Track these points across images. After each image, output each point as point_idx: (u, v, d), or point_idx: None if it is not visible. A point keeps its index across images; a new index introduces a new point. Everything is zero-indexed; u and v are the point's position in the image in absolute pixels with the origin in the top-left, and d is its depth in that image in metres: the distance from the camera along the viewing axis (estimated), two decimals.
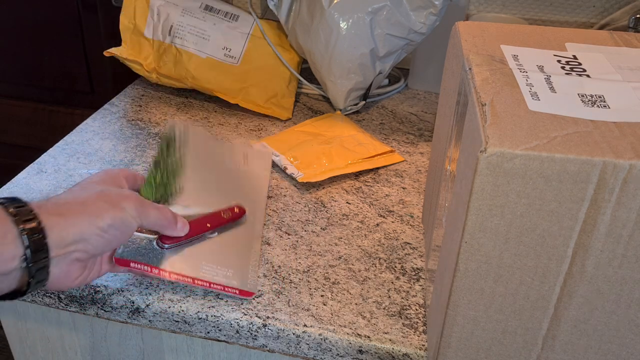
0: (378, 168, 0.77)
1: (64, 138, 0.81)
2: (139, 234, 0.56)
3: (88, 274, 0.50)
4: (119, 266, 0.53)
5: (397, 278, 0.59)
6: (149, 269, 0.53)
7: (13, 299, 0.45)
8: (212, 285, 0.54)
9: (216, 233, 0.60)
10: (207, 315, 0.54)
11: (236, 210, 0.62)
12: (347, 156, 0.77)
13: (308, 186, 0.73)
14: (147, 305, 0.55)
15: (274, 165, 0.77)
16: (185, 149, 0.66)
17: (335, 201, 0.70)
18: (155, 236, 0.56)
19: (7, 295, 0.45)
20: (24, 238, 0.42)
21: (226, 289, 0.55)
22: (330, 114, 0.89)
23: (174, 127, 0.67)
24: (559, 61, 0.46)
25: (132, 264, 0.53)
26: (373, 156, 0.79)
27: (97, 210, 0.47)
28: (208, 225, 0.58)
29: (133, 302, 0.56)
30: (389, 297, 0.57)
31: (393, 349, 0.52)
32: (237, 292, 0.55)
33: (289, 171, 0.74)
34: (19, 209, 0.43)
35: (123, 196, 0.50)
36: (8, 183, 0.71)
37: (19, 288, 0.44)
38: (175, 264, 0.54)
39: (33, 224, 0.43)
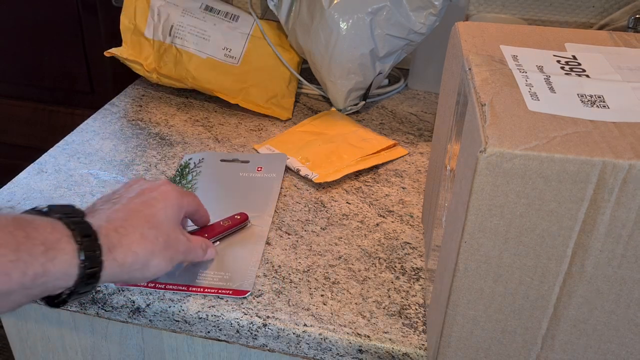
0: (379, 167, 0.78)
1: (65, 138, 0.81)
2: None
3: None
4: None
5: (397, 278, 0.59)
6: (145, 283, 0.57)
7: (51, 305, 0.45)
8: (206, 290, 0.56)
9: (217, 242, 0.61)
10: (207, 315, 0.54)
11: (237, 217, 0.63)
12: (355, 153, 0.78)
13: (308, 186, 0.73)
14: (148, 305, 0.55)
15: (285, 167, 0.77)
16: (199, 174, 0.72)
17: (335, 201, 0.71)
18: None
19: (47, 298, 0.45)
20: (80, 269, 0.42)
21: (220, 291, 0.55)
22: (325, 112, 0.90)
23: (188, 160, 0.75)
24: (558, 61, 0.47)
25: None
26: (379, 151, 0.79)
27: (149, 262, 0.47)
28: (205, 235, 0.59)
29: (133, 302, 0.56)
30: (389, 296, 0.57)
31: (393, 348, 0.52)
32: (230, 292, 0.55)
33: (302, 173, 0.74)
34: (84, 234, 0.43)
35: (173, 244, 0.50)
36: (8, 183, 0.71)
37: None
38: (171, 277, 0.56)
39: (94, 256, 0.43)
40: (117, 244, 0.45)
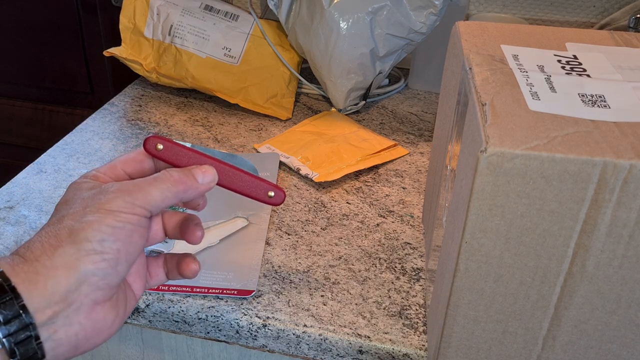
0: (379, 167, 0.77)
1: (64, 138, 0.81)
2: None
3: (123, 306, 0.39)
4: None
5: (397, 278, 0.59)
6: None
7: None
8: (210, 290, 0.55)
9: (217, 241, 0.61)
10: (207, 316, 0.54)
11: (270, 194, 0.46)
12: (355, 153, 0.78)
13: (308, 186, 0.73)
14: (147, 305, 0.55)
15: (284, 166, 0.77)
16: None
17: (335, 201, 0.70)
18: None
19: None
20: None
21: (224, 291, 0.55)
22: (326, 112, 0.90)
23: None
24: (559, 61, 0.46)
25: None
26: (379, 151, 0.79)
27: (77, 233, 0.35)
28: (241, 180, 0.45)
29: None
30: (389, 297, 0.57)
31: (393, 349, 0.52)
32: (235, 292, 0.55)
33: (303, 172, 0.74)
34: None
35: (102, 195, 0.37)
36: (8, 183, 0.71)
37: None
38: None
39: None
40: (17, 255, 0.35)
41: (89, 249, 0.35)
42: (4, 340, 0.32)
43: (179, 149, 0.42)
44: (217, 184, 0.43)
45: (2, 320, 0.32)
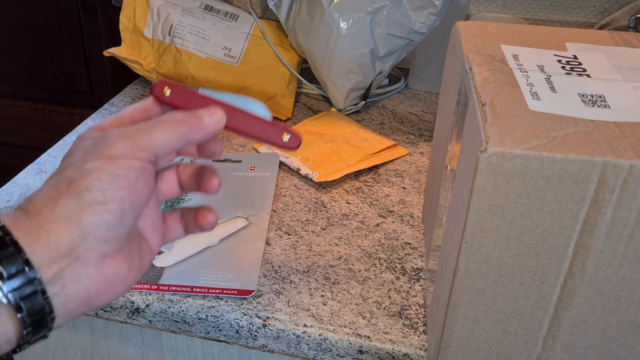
0: (379, 167, 0.77)
1: (64, 138, 0.81)
2: None
3: (137, 258, 0.37)
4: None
5: (397, 278, 0.59)
6: (149, 286, 0.56)
7: (15, 351, 0.34)
8: (210, 290, 0.55)
9: (217, 241, 0.61)
10: (207, 316, 0.54)
11: (285, 137, 0.42)
12: (355, 153, 0.78)
13: (308, 186, 0.73)
14: (147, 306, 0.55)
15: (284, 166, 0.77)
16: None
17: (335, 201, 0.70)
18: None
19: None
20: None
21: (224, 291, 0.55)
22: (326, 112, 0.90)
23: (180, 160, 0.64)
24: (559, 61, 0.46)
25: None
26: (379, 151, 0.79)
27: (77, 182, 0.33)
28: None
29: (133, 302, 0.55)
30: (389, 297, 0.57)
31: (393, 349, 0.52)
32: (235, 292, 0.55)
33: (303, 172, 0.74)
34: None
35: (102, 141, 0.35)
36: (8, 183, 0.71)
37: (15, 337, 0.32)
38: (174, 278, 0.56)
39: None
40: (18, 209, 0.34)
41: (90, 199, 0.33)
42: (8, 295, 0.31)
43: (187, 93, 0.40)
44: (227, 127, 0.40)
45: (5, 275, 0.31)
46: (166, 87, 0.40)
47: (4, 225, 0.32)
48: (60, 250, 0.33)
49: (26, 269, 0.31)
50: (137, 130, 0.36)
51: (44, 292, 0.32)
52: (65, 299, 0.33)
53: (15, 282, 0.31)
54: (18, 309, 0.31)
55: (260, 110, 0.43)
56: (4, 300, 0.31)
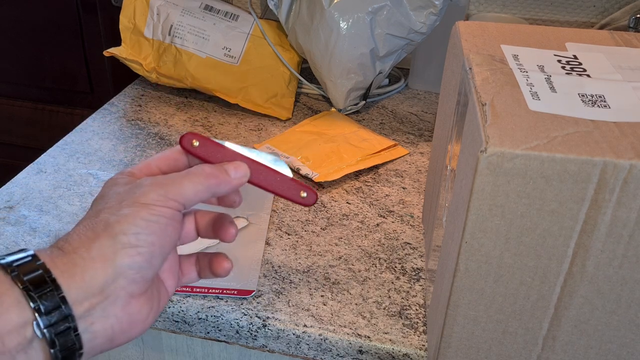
0: (379, 167, 0.77)
1: (64, 138, 0.81)
2: None
3: (157, 301, 0.40)
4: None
5: (397, 278, 0.59)
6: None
7: None
8: (210, 290, 0.55)
9: (217, 241, 0.61)
10: (207, 316, 0.54)
11: (303, 194, 0.45)
12: (355, 153, 0.78)
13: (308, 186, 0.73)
14: None
15: None
16: None
17: (335, 201, 0.70)
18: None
19: None
20: (29, 296, 0.33)
21: (224, 291, 0.55)
22: (326, 112, 0.90)
23: None
24: (559, 61, 0.46)
25: None
26: (379, 151, 0.79)
27: (113, 226, 0.36)
28: (278, 179, 0.45)
29: None
30: (389, 297, 0.57)
31: (393, 349, 0.52)
32: (235, 292, 0.55)
33: (303, 172, 0.74)
34: (20, 262, 0.34)
35: (137, 189, 0.38)
36: (8, 183, 0.71)
37: None
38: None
39: (38, 275, 0.33)
40: (56, 247, 0.36)
41: (125, 242, 0.35)
42: (44, 330, 0.33)
43: (214, 146, 0.42)
44: (250, 181, 0.43)
45: (43, 310, 0.33)
46: (194, 140, 0.42)
47: (43, 263, 0.34)
48: (93, 288, 0.35)
49: (62, 306, 0.33)
50: (169, 181, 0.38)
51: (75, 329, 0.34)
52: (92, 335, 0.35)
53: (52, 318, 0.33)
54: (52, 344, 0.33)
55: (282, 167, 0.45)
56: (40, 335, 0.33)
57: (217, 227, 0.44)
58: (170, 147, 0.44)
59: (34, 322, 0.33)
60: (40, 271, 0.33)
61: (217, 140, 0.43)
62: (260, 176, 0.43)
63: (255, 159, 0.44)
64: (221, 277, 0.45)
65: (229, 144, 0.43)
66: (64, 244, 0.36)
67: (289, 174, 0.45)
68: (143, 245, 0.36)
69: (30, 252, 0.35)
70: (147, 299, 0.38)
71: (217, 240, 0.61)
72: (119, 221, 0.36)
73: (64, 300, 0.33)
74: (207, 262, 0.45)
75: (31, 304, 0.33)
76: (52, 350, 0.33)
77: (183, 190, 0.38)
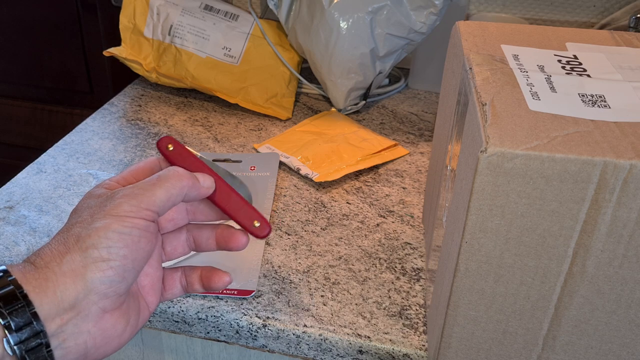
0: (379, 167, 0.77)
1: (64, 138, 0.81)
2: None
3: (135, 317, 0.39)
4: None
5: (398, 278, 0.59)
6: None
7: None
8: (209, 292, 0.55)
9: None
10: (206, 316, 0.54)
11: (256, 223, 0.45)
12: (355, 153, 0.78)
13: (308, 186, 0.73)
14: None
15: (284, 166, 0.77)
16: None
17: (335, 201, 0.70)
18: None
19: None
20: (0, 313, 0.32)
21: (224, 291, 0.55)
22: (326, 112, 0.90)
23: None
24: (559, 61, 0.46)
25: None
26: (379, 151, 0.79)
27: (84, 239, 0.35)
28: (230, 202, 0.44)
29: None
30: (389, 297, 0.57)
31: (393, 349, 0.52)
32: (235, 292, 0.55)
33: (302, 172, 0.74)
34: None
35: (108, 201, 0.37)
36: (8, 183, 0.71)
37: None
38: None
39: (9, 290, 0.33)
40: (27, 262, 0.35)
41: (96, 256, 0.35)
42: (15, 347, 0.32)
43: (187, 154, 0.43)
44: (210, 198, 0.43)
45: (14, 327, 0.32)
46: (170, 144, 0.43)
47: (15, 279, 0.34)
48: (64, 304, 0.34)
49: (34, 322, 0.33)
50: (140, 190, 0.38)
51: (47, 345, 0.33)
52: (65, 351, 0.34)
53: (23, 335, 0.32)
54: None
55: (246, 194, 0.45)
56: (10, 352, 0.32)
57: (228, 237, 0.44)
58: (144, 159, 0.44)
59: (4, 339, 0.32)
60: (11, 287, 0.33)
61: (193, 151, 0.44)
62: (221, 195, 0.44)
63: (221, 174, 0.44)
64: (216, 291, 0.45)
65: (205, 156, 0.44)
66: (36, 258, 0.35)
67: (249, 198, 0.45)
68: (115, 259, 0.35)
69: (2, 268, 0.34)
70: (122, 314, 0.37)
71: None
72: (90, 235, 0.35)
73: (35, 316, 0.33)
74: (198, 277, 0.44)
75: (1, 320, 0.32)
76: None
77: (155, 197, 0.38)
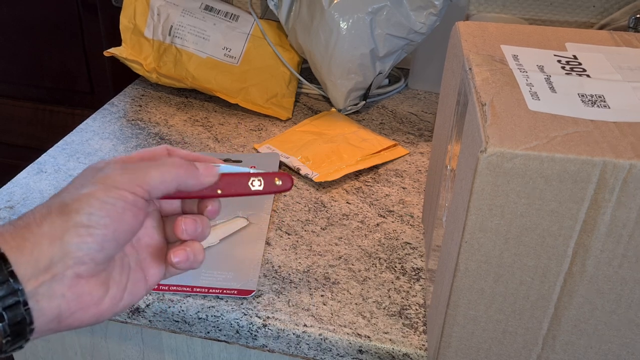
0: (379, 167, 0.77)
1: (64, 138, 0.81)
2: None
3: (121, 288, 0.38)
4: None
5: (397, 278, 0.59)
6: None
7: None
8: (210, 290, 0.55)
9: (217, 241, 0.61)
10: (207, 315, 0.54)
11: (277, 181, 0.45)
12: (355, 153, 0.78)
13: (308, 186, 0.73)
14: (147, 305, 0.55)
15: (284, 166, 0.77)
16: None
17: (335, 201, 0.70)
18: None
19: None
20: None
21: (224, 291, 0.55)
22: (326, 112, 0.90)
23: None
24: (559, 61, 0.46)
25: None
26: (379, 151, 0.79)
27: (68, 204, 0.35)
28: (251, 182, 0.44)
29: None
30: (389, 297, 0.57)
31: (393, 349, 0.52)
32: (235, 292, 0.55)
33: (302, 172, 0.74)
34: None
35: (101, 172, 0.37)
36: (8, 183, 0.71)
37: None
38: (174, 278, 0.56)
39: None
40: (8, 224, 0.35)
41: (76, 221, 0.35)
42: None
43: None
44: (226, 194, 0.43)
45: None
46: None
47: None
48: (40, 265, 0.34)
49: (10, 280, 0.33)
50: (137, 167, 0.38)
51: (25, 304, 0.33)
52: (38, 313, 0.34)
53: (0, 292, 0.32)
54: (0, 318, 0.32)
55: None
56: None
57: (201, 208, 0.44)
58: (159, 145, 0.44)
59: None
60: None
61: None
62: (232, 186, 0.43)
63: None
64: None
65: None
66: (18, 220, 0.35)
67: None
68: (95, 227, 0.35)
69: None
70: (100, 282, 0.37)
71: (217, 241, 0.61)
72: (74, 200, 0.35)
73: (12, 274, 0.33)
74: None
75: None
76: (0, 324, 0.32)
77: (149, 177, 0.38)
